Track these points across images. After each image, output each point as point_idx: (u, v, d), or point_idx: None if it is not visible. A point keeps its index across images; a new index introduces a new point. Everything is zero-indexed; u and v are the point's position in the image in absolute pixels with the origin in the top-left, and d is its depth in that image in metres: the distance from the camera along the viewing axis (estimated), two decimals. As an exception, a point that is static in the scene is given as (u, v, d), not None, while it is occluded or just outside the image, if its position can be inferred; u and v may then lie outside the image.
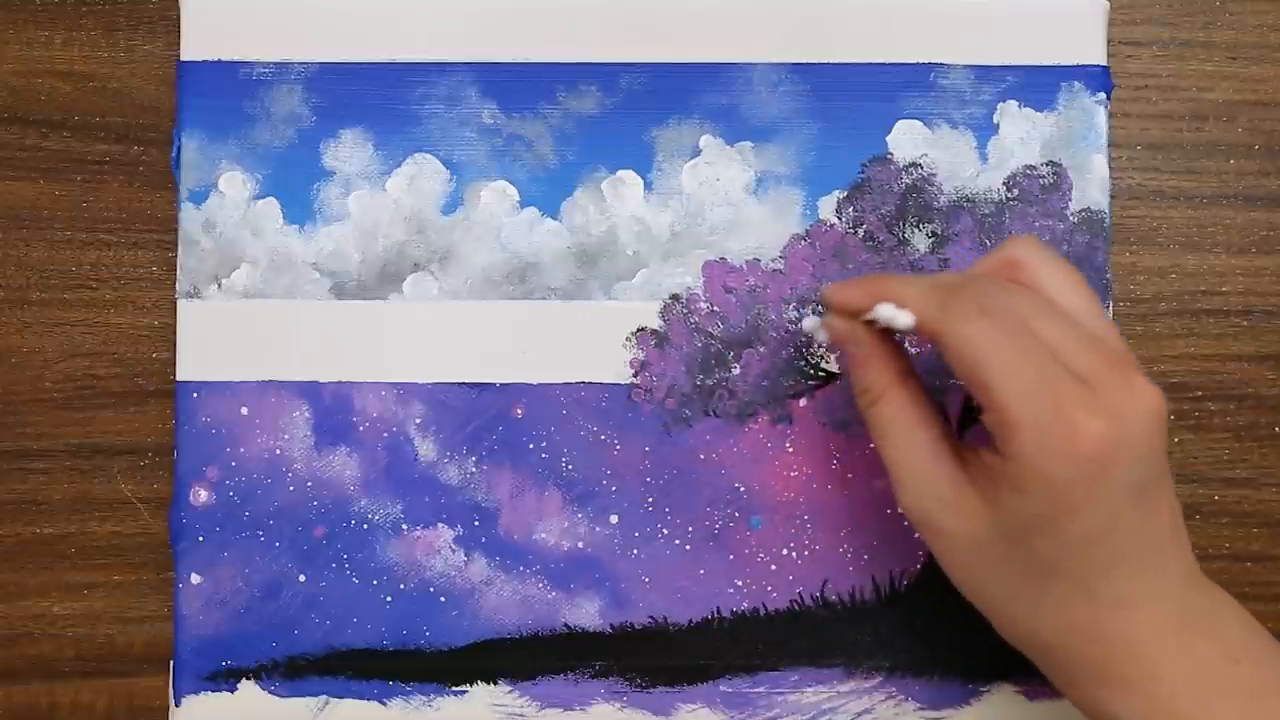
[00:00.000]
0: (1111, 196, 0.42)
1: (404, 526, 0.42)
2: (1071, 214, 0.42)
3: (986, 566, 0.34)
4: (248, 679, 0.41)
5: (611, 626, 0.42)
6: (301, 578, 0.42)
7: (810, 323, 0.38)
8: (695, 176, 0.42)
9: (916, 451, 0.34)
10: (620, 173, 0.42)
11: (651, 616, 0.42)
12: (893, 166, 0.42)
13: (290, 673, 0.41)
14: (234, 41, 0.42)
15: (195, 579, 0.41)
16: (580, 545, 0.42)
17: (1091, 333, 0.33)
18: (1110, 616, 0.33)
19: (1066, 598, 0.33)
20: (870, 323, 0.35)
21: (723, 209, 0.42)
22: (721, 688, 0.41)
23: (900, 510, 0.35)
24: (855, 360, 0.36)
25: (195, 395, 0.42)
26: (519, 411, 0.42)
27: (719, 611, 0.42)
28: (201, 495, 0.42)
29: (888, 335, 0.35)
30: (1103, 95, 0.42)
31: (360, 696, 0.41)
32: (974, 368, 0.32)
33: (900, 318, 0.33)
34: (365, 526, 0.42)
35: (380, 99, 0.42)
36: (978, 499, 0.33)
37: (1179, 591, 0.33)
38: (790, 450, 0.42)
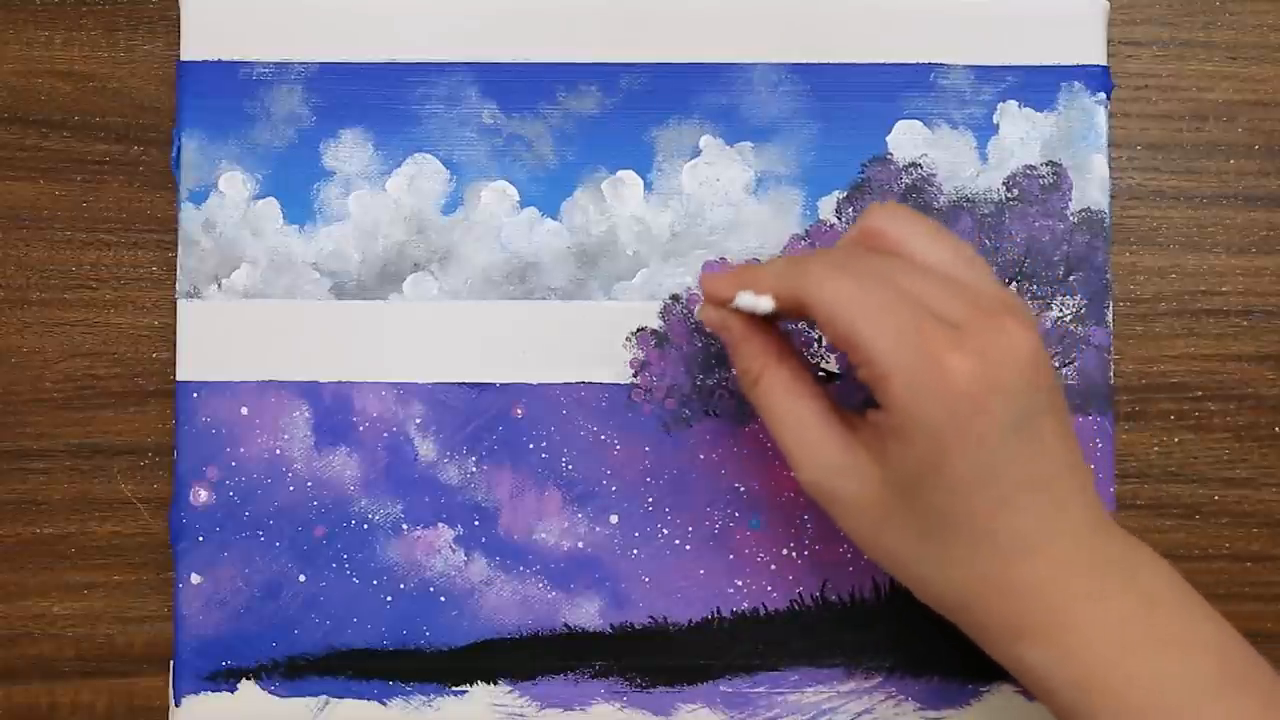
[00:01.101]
0: (1111, 196, 0.42)
1: (404, 526, 0.42)
2: (1071, 214, 0.42)
3: (888, 529, 0.34)
4: (248, 679, 0.41)
5: (611, 626, 0.42)
6: (301, 578, 0.42)
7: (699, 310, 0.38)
8: (695, 176, 0.42)
9: (802, 424, 0.34)
10: (620, 173, 0.42)
11: (651, 616, 0.42)
12: (893, 166, 0.42)
13: (290, 673, 0.41)
14: (234, 41, 0.42)
15: (195, 579, 0.41)
16: (580, 545, 0.42)
17: (958, 280, 0.33)
18: (1015, 564, 0.32)
19: (969, 550, 0.33)
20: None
21: (723, 209, 0.42)
22: (721, 688, 0.41)
23: (802, 485, 0.35)
24: (731, 346, 0.36)
25: (195, 395, 0.42)
26: (519, 411, 0.42)
27: (719, 611, 0.42)
28: (201, 495, 0.42)
29: (760, 319, 0.35)
30: (1103, 95, 0.42)
31: (360, 696, 0.41)
32: (839, 323, 0.32)
33: (760, 303, 0.34)
34: (365, 526, 0.42)
35: (380, 99, 0.42)
36: (869, 461, 0.33)
37: (1086, 536, 0.33)
38: (790, 450, 0.42)
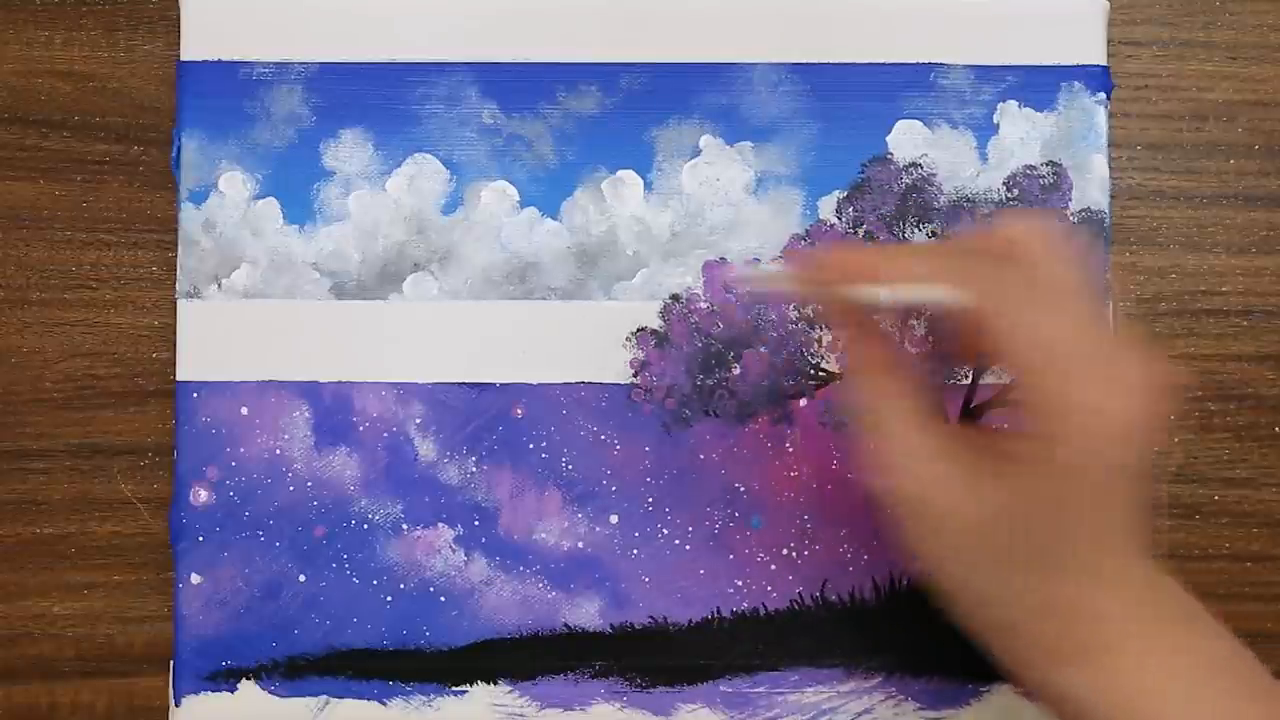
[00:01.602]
0: (1111, 196, 0.42)
1: (404, 526, 0.42)
2: (1071, 214, 0.42)
3: (970, 547, 0.33)
4: (248, 679, 0.41)
5: (611, 626, 0.42)
6: (301, 578, 0.42)
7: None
8: (695, 176, 0.42)
9: (906, 428, 0.34)
10: (620, 173, 0.42)
11: (651, 616, 0.42)
12: (893, 166, 0.42)
13: (290, 673, 0.41)
14: (234, 41, 0.42)
15: (195, 579, 0.41)
16: (580, 545, 0.42)
17: (1100, 314, 0.33)
18: (1085, 589, 0.33)
19: (1048, 576, 0.33)
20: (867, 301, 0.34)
21: (723, 209, 0.42)
22: (721, 688, 0.41)
23: (885, 491, 0.34)
24: (847, 338, 0.35)
25: (195, 395, 0.42)
26: (519, 411, 0.42)
27: (719, 611, 0.42)
28: (201, 495, 0.42)
29: (872, 318, 0.35)
30: (1103, 95, 0.42)
31: (360, 696, 0.41)
32: (1004, 345, 0.31)
33: (880, 294, 0.33)
34: (365, 526, 0.42)
35: (380, 99, 0.42)
36: (971, 478, 0.33)
37: (1139, 563, 0.33)
38: (790, 450, 0.42)
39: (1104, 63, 0.42)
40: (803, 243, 0.42)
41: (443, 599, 0.42)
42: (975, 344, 0.33)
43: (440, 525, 0.42)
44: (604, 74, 0.42)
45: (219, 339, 0.42)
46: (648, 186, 0.42)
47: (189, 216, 0.42)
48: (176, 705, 0.41)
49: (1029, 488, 0.32)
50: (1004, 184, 0.42)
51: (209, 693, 0.41)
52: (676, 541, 0.42)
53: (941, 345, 0.38)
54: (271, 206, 0.42)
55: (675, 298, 0.42)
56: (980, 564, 0.33)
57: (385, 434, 0.42)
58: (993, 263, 0.33)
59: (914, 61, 0.42)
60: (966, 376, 0.42)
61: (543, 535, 0.42)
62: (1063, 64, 0.42)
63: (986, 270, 0.32)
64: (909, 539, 0.34)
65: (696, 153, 0.42)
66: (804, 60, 0.42)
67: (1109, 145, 0.42)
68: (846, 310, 0.35)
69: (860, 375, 0.35)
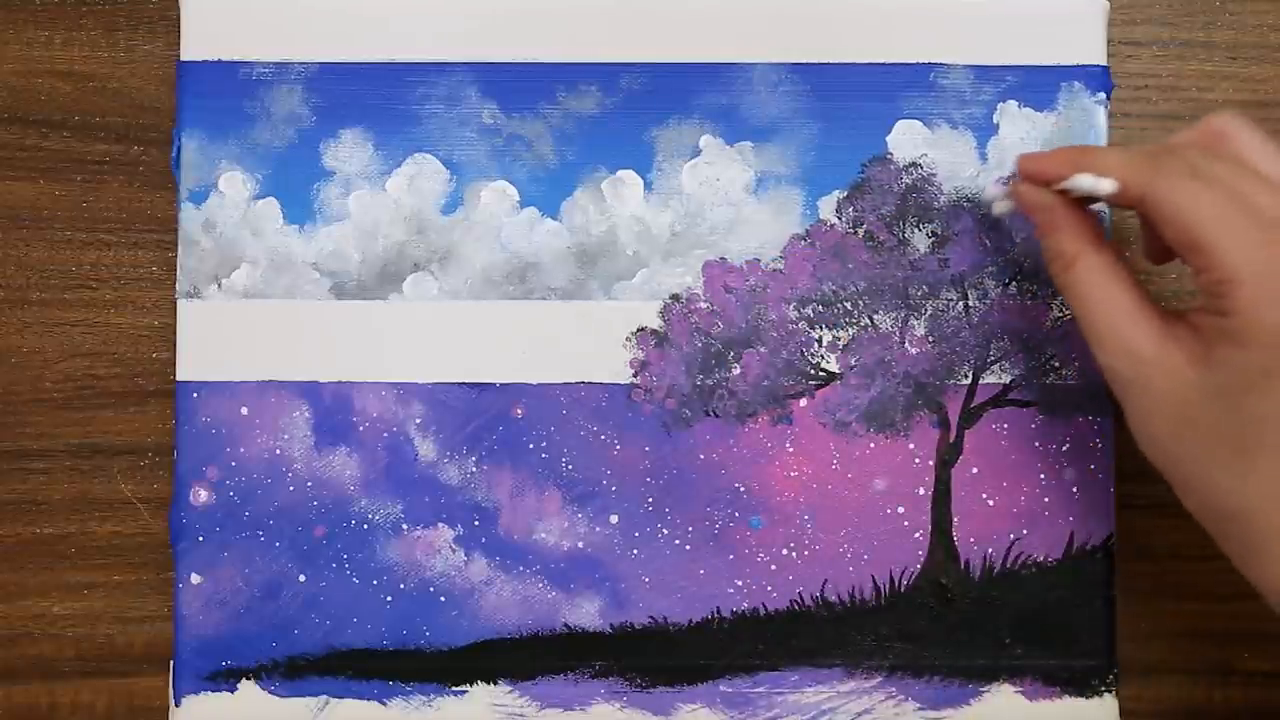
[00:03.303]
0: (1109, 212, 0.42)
1: (404, 526, 0.42)
2: (1071, 214, 0.42)
3: (1188, 430, 0.34)
4: (248, 679, 0.41)
5: (611, 626, 0.42)
6: (301, 578, 0.42)
7: (994, 191, 0.40)
8: (695, 176, 0.42)
9: (1115, 310, 0.35)
10: (620, 173, 0.42)
11: (651, 616, 0.42)
12: (893, 166, 0.42)
13: (290, 673, 0.41)
14: (234, 41, 0.42)
15: (195, 579, 0.41)
16: (580, 545, 0.42)
17: None
18: None
19: (1270, 459, 0.33)
20: (1062, 191, 0.36)
21: (723, 209, 0.42)
22: (721, 688, 0.41)
23: (1100, 370, 0.35)
24: (1048, 227, 0.36)
25: (195, 395, 0.42)
26: (519, 411, 0.42)
27: (719, 611, 0.42)
28: (201, 495, 0.42)
29: (1078, 202, 0.36)
30: (1103, 95, 0.42)
31: (360, 696, 0.41)
32: (1188, 226, 0.33)
33: (1103, 185, 0.34)
34: (365, 526, 0.42)
35: (380, 99, 0.42)
36: (1183, 359, 0.34)
37: None
38: (790, 450, 0.42)
39: (1104, 63, 0.42)
40: (803, 243, 0.42)
41: (443, 599, 0.42)
42: (1176, 236, 0.33)
43: (440, 525, 0.42)
44: (604, 74, 0.42)
45: (219, 339, 0.42)
46: (648, 186, 0.42)
47: (189, 216, 0.42)
48: (176, 705, 0.41)
49: (1232, 366, 0.32)
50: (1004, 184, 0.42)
51: (209, 693, 0.41)
52: (676, 541, 0.42)
53: (1152, 240, 0.39)
54: (271, 206, 0.42)
55: (675, 298, 0.42)
56: (1201, 448, 0.34)
57: (385, 434, 0.42)
58: (1200, 153, 0.34)
59: (914, 61, 0.42)
60: (966, 377, 0.42)
61: (543, 535, 0.42)
62: (1063, 64, 0.42)
63: (1195, 159, 0.34)
64: (1130, 421, 0.35)
65: (696, 153, 0.42)
66: (804, 60, 0.42)
67: (1109, 145, 0.42)
68: (1059, 203, 0.36)
69: (1081, 261, 0.36)
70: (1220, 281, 0.32)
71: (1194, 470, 0.34)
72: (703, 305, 0.42)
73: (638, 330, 0.42)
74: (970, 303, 0.42)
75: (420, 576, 0.42)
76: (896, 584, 0.42)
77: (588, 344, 0.42)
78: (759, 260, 0.42)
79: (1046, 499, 0.41)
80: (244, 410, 0.42)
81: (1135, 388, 0.35)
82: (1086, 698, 0.41)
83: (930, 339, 0.42)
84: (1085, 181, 0.35)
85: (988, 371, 0.42)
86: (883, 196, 0.42)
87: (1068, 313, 0.42)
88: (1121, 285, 0.35)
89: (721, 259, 0.42)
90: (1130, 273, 0.36)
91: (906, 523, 0.41)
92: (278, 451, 0.42)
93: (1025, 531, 0.41)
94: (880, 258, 0.42)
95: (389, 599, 0.42)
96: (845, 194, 0.42)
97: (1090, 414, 0.41)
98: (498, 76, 0.42)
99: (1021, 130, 0.42)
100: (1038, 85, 0.42)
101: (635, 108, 0.42)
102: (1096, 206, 0.42)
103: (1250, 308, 0.32)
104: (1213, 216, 0.32)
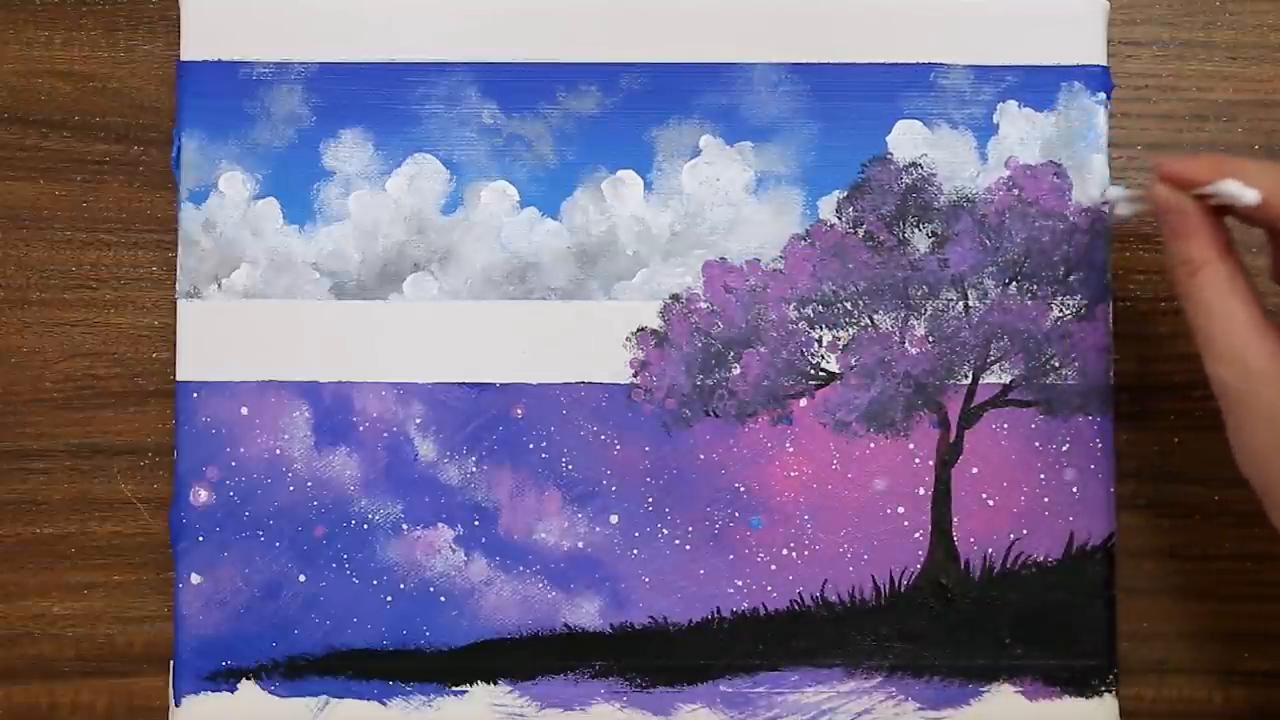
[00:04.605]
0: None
1: (404, 526, 0.42)
2: (1071, 214, 0.42)
3: None
4: (248, 679, 0.41)
5: (611, 626, 0.42)
6: (301, 578, 0.42)
7: (1116, 193, 0.40)
8: (695, 176, 0.42)
9: (1232, 321, 0.35)
10: (620, 173, 0.42)
11: (651, 616, 0.42)
12: (893, 166, 0.42)
13: (290, 673, 0.41)
14: (234, 41, 0.42)
15: (195, 579, 0.41)
16: (580, 545, 0.42)
17: None
18: None
19: None
20: (1200, 196, 0.36)
21: (723, 209, 0.42)
22: (721, 688, 0.41)
23: (1215, 381, 0.35)
24: (1179, 232, 0.36)
25: (195, 395, 0.42)
26: (519, 411, 0.42)
27: (719, 611, 0.42)
28: (201, 495, 0.42)
29: (1212, 210, 0.36)
30: (1103, 95, 0.42)
31: (360, 696, 0.41)
32: None
33: (1248, 195, 0.34)
34: (365, 526, 0.42)
35: (380, 99, 0.42)
36: None
37: None
38: (790, 450, 0.42)
39: (1104, 63, 0.42)
40: (803, 243, 0.42)
41: (443, 599, 0.42)
42: None
43: (440, 525, 0.42)
44: (604, 74, 0.42)
45: (219, 339, 0.42)
46: (648, 186, 0.42)
47: (189, 216, 0.42)
48: (176, 705, 0.41)
49: None
50: (1004, 184, 0.42)
51: (209, 693, 0.41)
52: (676, 541, 0.42)
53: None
54: (271, 206, 0.42)
55: (675, 298, 0.42)
56: None
57: (385, 434, 0.42)
58: None
59: (914, 61, 0.42)
60: (966, 377, 0.42)
61: (543, 535, 0.42)
62: (1063, 64, 0.42)
63: None
64: (1230, 433, 0.35)
65: (696, 153, 0.42)
66: (804, 60, 0.42)
67: (1109, 145, 0.42)
68: (1195, 208, 0.36)
69: (1207, 269, 0.36)
70: None
71: None
72: (703, 305, 0.42)
73: (638, 330, 0.42)
74: (970, 303, 0.42)
75: (420, 576, 0.42)
76: (896, 584, 0.42)
77: (588, 344, 0.42)
78: (759, 260, 0.42)
79: (1046, 499, 0.41)
80: (244, 410, 0.42)
81: (1241, 399, 0.35)
82: (1086, 698, 0.41)
83: (930, 339, 0.42)
84: (1231, 188, 0.35)
85: (988, 371, 0.42)
86: (883, 196, 0.42)
87: (1068, 313, 0.42)
88: (1242, 298, 0.35)
89: (721, 259, 0.42)
90: (1251, 287, 0.36)
91: (906, 523, 0.41)
92: (278, 451, 0.42)
93: (1025, 531, 0.41)
94: (880, 258, 0.42)
95: (389, 599, 0.42)
96: (845, 194, 0.42)
97: (1090, 414, 0.41)
98: (498, 76, 0.42)
99: (1021, 130, 0.42)
100: (1038, 85, 0.42)
101: (635, 108, 0.42)
102: (1098, 202, 0.42)
103: None
104: None
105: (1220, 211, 0.36)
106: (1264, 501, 0.35)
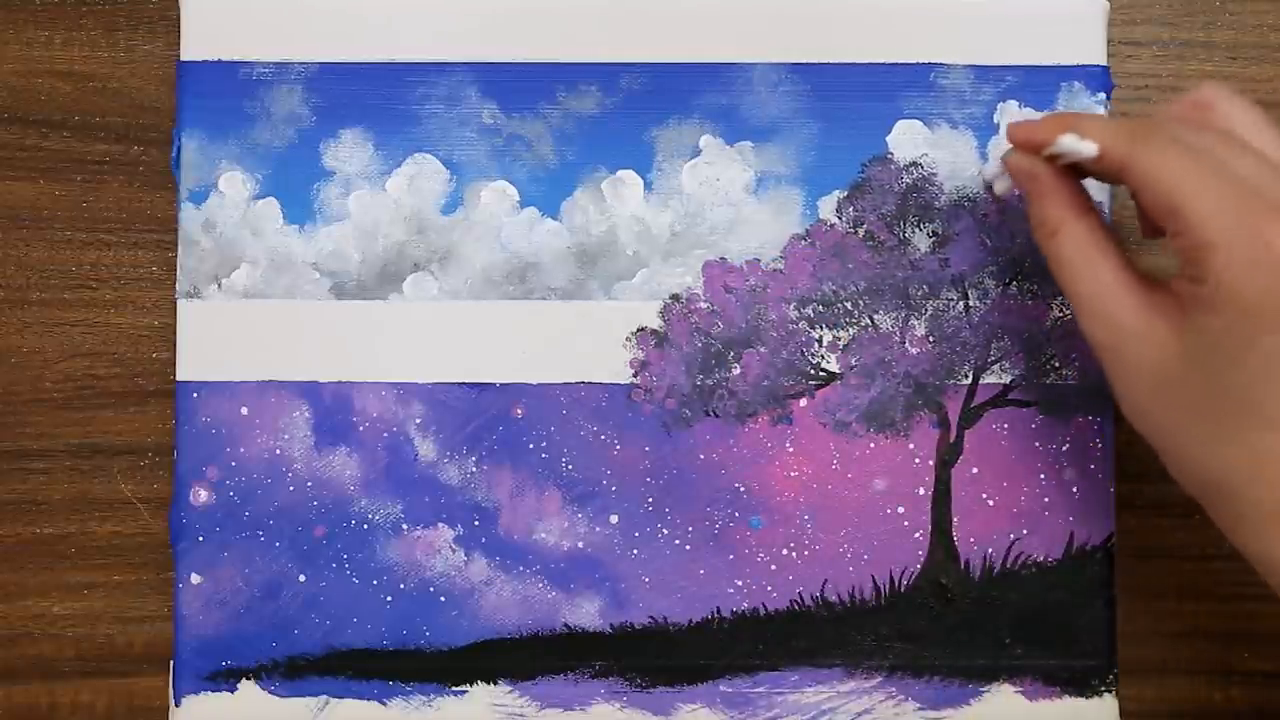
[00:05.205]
0: (1111, 196, 0.42)
1: (404, 526, 0.42)
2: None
3: (1166, 399, 0.34)
4: (248, 679, 0.41)
5: (611, 626, 0.42)
6: (301, 578, 0.42)
7: (990, 169, 0.39)
8: (695, 176, 0.42)
9: (1097, 279, 0.35)
10: (620, 173, 0.42)
11: (651, 616, 0.42)
12: (893, 166, 0.42)
13: (290, 673, 0.41)
14: (234, 41, 0.42)
15: (195, 579, 0.41)
16: (580, 545, 0.42)
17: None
18: None
19: (1252, 428, 0.32)
20: (1051, 158, 0.35)
21: (723, 209, 0.42)
22: (721, 688, 0.41)
23: (1086, 339, 0.35)
24: (1034, 194, 0.36)
25: (195, 395, 0.42)
26: (519, 411, 0.42)
27: (719, 611, 0.42)
28: (201, 495, 0.42)
29: (1066, 171, 0.36)
30: (1103, 95, 0.42)
31: (360, 696, 0.41)
32: (1166, 191, 0.32)
33: (1084, 147, 0.34)
34: (365, 526, 0.42)
35: (380, 99, 0.42)
36: (1165, 328, 0.34)
37: None
38: (790, 450, 0.42)
39: (1104, 63, 0.42)
40: (803, 243, 0.42)
41: (443, 599, 0.42)
42: (1154, 202, 0.33)
43: (440, 525, 0.42)
44: (604, 74, 0.42)
45: (219, 339, 0.42)
46: (648, 186, 0.42)
47: (189, 216, 0.42)
48: (176, 705, 0.41)
49: (1206, 334, 0.32)
50: (1004, 184, 0.42)
51: (209, 693, 0.41)
52: (676, 541, 0.42)
53: (1144, 213, 0.39)
54: (271, 206, 0.42)
55: (675, 298, 0.42)
56: (1179, 416, 0.34)
57: (385, 434, 0.42)
58: (1184, 122, 0.35)
59: (914, 61, 0.42)
60: (967, 377, 0.42)
61: (543, 535, 0.42)
62: (1063, 64, 0.42)
63: (1178, 127, 0.34)
64: (1114, 389, 0.35)
65: (696, 153, 0.42)
66: (804, 60, 0.42)
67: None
68: (1046, 170, 0.36)
69: (1065, 228, 0.35)
70: (1195, 247, 0.32)
71: (1177, 440, 0.34)
72: (703, 305, 0.42)
73: (638, 330, 0.42)
74: (970, 303, 0.42)
75: (420, 576, 0.42)
76: (896, 584, 0.42)
77: (588, 344, 0.42)
78: (759, 260, 0.42)
79: (1046, 499, 0.41)
80: (244, 410, 0.42)
81: (1117, 356, 0.35)
82: (1086, 698, 0.41)
83: (930, 339, 0.42)
84: (1068, 142, 0.34)
85: (988, 371, 0.42)
86: (883, 196, 0.42)
87: (1068, 313, 0.42)
88: (1104, 254, 0.35)
89: (721, 259, 0.42)
90: (1115, 241, 0.36)
91: (906, 523, 0.41)
92: (278, 451, 0.42)
93: (1025, 531, 0.41)
94: (880, 258, 0.42)
95: (389, 599, 0.42)
96: (845, 194, 0.42)
97: (1090, 414, 0.41)
98: (498, 76, 0.42)
99: (1021, 130, 0.42)
100: (1038, 85, 0.42)
101: (635, 108, 0.42)
102: (1098, 195, 0.42)
103: (1224, 274, 0.32)
104: (1190, 182, 0.32)
105: (1076, 172, 0.36)
106: (1160, 457, 0.35)
